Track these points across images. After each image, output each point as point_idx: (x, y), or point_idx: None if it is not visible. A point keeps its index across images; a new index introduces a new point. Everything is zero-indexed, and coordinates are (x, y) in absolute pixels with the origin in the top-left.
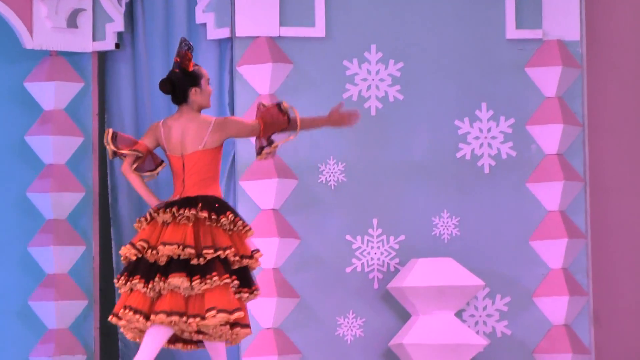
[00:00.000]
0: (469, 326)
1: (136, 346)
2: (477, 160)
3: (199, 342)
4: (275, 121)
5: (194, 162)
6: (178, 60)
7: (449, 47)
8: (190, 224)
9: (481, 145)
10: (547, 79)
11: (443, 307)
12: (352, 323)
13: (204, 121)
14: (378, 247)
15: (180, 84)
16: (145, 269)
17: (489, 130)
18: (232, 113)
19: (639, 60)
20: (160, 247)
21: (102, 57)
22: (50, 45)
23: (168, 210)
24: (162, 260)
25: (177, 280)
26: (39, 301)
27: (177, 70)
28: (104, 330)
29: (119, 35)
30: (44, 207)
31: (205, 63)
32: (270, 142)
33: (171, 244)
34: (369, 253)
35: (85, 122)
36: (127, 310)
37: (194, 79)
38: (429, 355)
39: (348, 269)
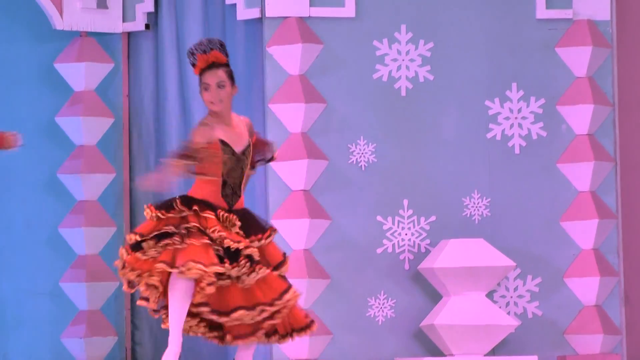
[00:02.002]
0: (500, 307)
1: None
2: (507, 140)
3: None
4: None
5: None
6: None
7: (480, 27)
8: None
9: (512, 125)
10: (578, 58)
11: (474, 288)
12: (383, 304)
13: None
14: (409, 228)
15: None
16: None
17: (519, 110)
18: (263, 94)
19: None
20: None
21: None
22: (80, 26)
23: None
24: None
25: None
26: (69, 282)
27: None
28: (134, 311)
29: (149, 15)
30: (75, 188)
31: (234, 44)
32: None
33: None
34: (399, 234)
35: (116, 103)
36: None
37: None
38: (460, 336)
39: (379, 250)
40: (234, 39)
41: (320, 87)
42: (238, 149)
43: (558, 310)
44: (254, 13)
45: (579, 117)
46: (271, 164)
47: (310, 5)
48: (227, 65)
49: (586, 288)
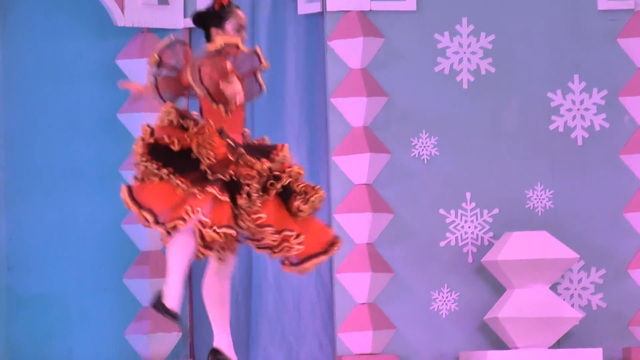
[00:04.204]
0: (564, 299)
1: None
2: (570, 132)
3: None
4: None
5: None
6: None
7: (541, 19)
8: None
9: (574, 117)
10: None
11: (538, 280)
12: (447, 297)
13: None
14: (472, 221)
15: (204, 20)
16: None
17: (581, 102)
18: (325, 88)
19: None
20: None
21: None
22: (141, 22)
23: None
24: None
25: None
26: (133, 279)
27: (208, 7)
28: (196, 306)
29: None
30: None
31: (296, 38)
32: None
33: None
34: (462, 227)
35: None
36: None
37: (216, 18)
38: (525, 328)
39: (442, 243)
40: (295, 33)
41: (382, 80)
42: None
43: (622, 302)
44: (315, 7)
45: None
46: (333, 158)
47: None
48: None
49: None
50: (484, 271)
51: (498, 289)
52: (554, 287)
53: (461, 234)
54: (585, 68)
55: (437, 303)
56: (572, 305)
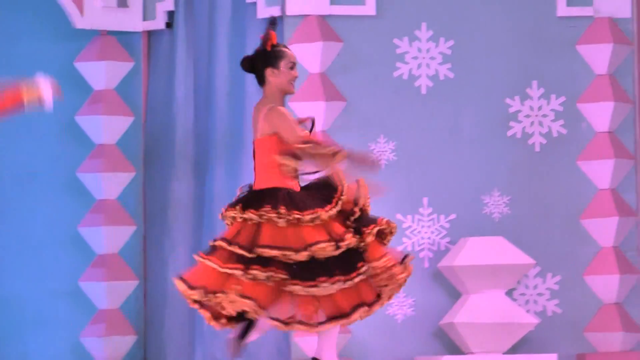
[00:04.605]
0: (519, 305)
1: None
2: (528, 138)
3: None
4: (320, 153)
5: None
6: (262, 38)
7: (500, 25)
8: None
9: (532, 123)
10: (598, 56)
11: (494, 286)
12: (403, 302)
13: (262, 107)
14: (428, 226)
15: (256, 63)
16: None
17: (539, 108)
18: None
19: None
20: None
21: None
22: (100, 24)
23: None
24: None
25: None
26: (89, 281)
27: (259, 49)
28: (151, 310)
29: (170, 14)
30: (94, 187)
31: (254, 42)
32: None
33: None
34: (419, 232)
35: (136, 101)
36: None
37: (270, 58)
38: (480, 334)
39: (398, 248)
40: (254, 37)
41: (341, 85)
42: None
43: (578, 308)
44: (274, 11)
45: (600, 114)
46: None
47: (331, 4)
48: None
49: (606, 286)
50: (440, 276)
51: (454, 295)
52: (509, 293)
53: (418, 239)
54: (544, 74)
55: (392, 308)
56: (528, 311)
